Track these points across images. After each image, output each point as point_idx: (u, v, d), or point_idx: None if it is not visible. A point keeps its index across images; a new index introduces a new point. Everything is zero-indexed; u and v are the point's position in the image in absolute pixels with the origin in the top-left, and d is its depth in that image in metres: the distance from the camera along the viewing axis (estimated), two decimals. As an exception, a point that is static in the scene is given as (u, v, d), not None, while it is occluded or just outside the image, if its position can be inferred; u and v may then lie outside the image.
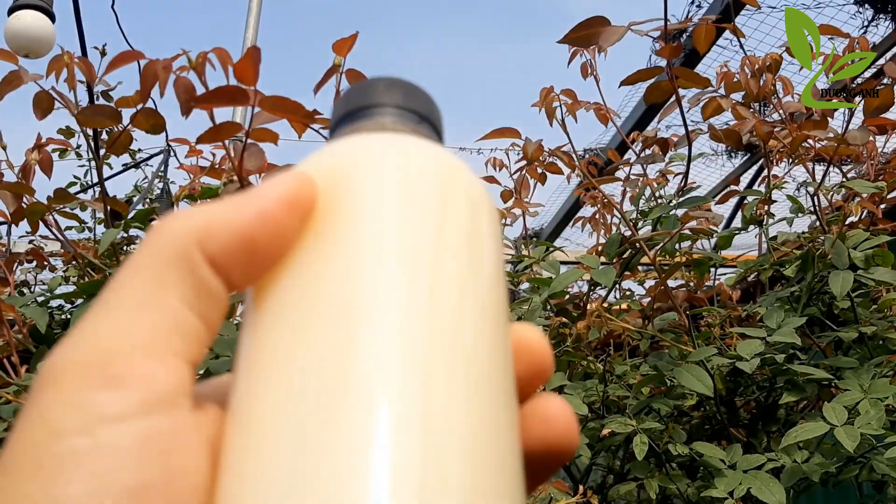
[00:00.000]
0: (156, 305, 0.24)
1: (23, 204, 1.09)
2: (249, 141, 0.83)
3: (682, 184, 1.38)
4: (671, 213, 1.28)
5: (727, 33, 2.37)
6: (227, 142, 0.86)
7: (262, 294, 0.26)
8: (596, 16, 1.13)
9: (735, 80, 1.29)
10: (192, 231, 0.25)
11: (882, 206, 1.37)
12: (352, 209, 0.26)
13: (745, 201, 1.51)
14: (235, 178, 0.89)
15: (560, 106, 1.21)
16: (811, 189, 1.31)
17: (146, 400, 0.23)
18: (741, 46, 1.59)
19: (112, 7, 2.83)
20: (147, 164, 3.34)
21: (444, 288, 0.25)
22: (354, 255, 0.25)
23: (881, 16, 3.39)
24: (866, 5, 3.39)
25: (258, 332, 0.25)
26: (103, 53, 2.57)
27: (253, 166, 0.86)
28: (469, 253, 0.26)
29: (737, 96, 1.36)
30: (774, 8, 3.03)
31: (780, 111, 1.31)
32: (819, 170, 1.36)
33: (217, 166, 1.04)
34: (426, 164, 0.28)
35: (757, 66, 1.32)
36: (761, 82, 1.31)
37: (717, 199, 1.51)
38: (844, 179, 1.37)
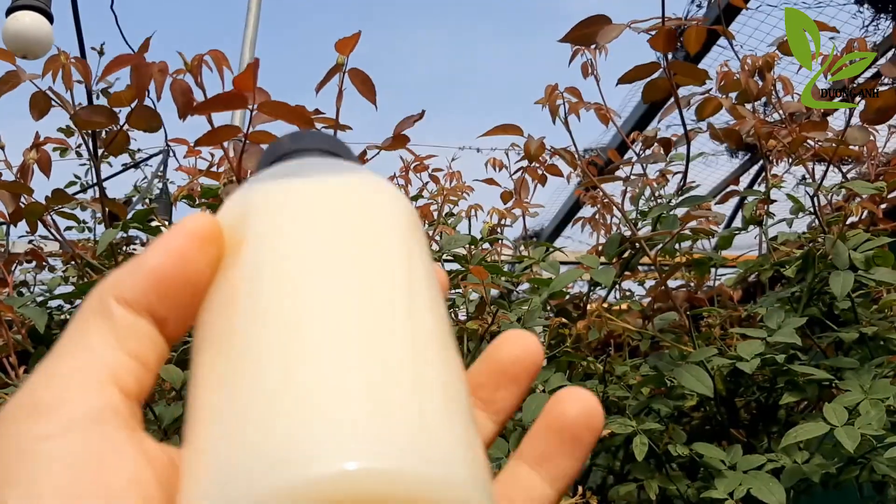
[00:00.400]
0: (77, 349, 0.27)
1: (21, 204, 1.08)
2: (248, 142, 0.83)
3: (682, 183, 1.38)
4: (671, 212, 1.27)
5: (728, 33, 2.36)
6: (226, 143, 0.86)
7: (205, 309, 0.29)
8: (597, 14, 1.13)
9: (735, 78, 1.29)
10: (106, 283, 0.29)
11: (882, 206, 1.36)
12: (262, 224, 0.29)
13: (745, 201, 1.51)
14: (235, 179, 0.89)
15: (563, 104, 1.21)
16: (811, 189, 1.30)
17: (69, 420, 0.25)
18: (732, 48, 1.59)
19: (111, 7, 2.82)
20: (147, 165, 3.33)
21: (358, 281, 0.27)
22: (275, 265, 0.27)
23: (882, 16, 3.39)
24: (867, 5, 3.39)
25: (200, 345, 0.28)
26: (101, 53, 2.56)
27: (252, 167, 0.86)
28: (364, 246, 0.28)
29: (733, 95, 1.35)
30: (775, 7, 3.03)
31: (780, 111, 1.31)
32: (819, 169, 1.36)
33: (216, 167, 1.04)
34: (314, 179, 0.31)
35: (756, 66, 1.32)
36: (759, 82, 1.30)
37: (717, 199, 1.51)
38: (844, 179, 1.37)
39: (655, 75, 1.20)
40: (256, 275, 0.27)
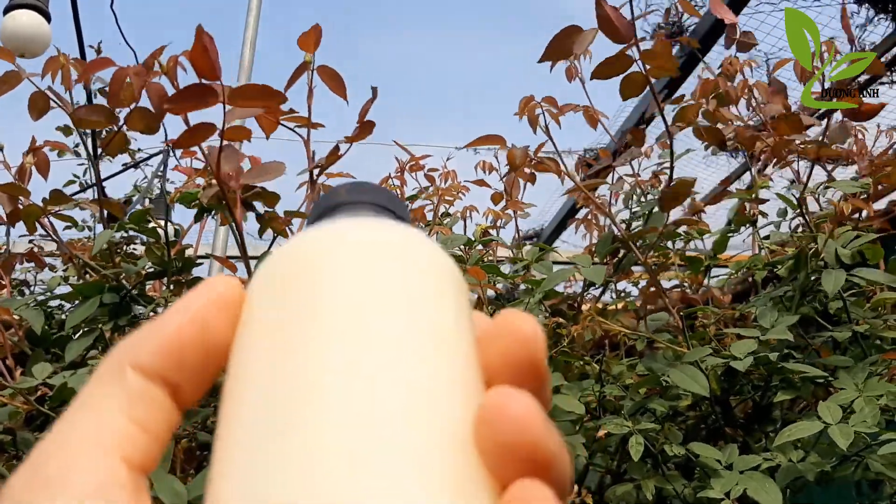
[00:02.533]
0: (87, 416, 0.27)
1: (19, 205, 1.09)
2: (225, 143, 0.82)
3: (669, 179, 1.38)
4: (655, 208, 1.28)
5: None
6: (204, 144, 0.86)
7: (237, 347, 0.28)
8: (568, 26, 1.11)
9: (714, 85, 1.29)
10: (123, 346, 0.28)
11: (870, 201, 1.37)
12: (318, 271, 0.28)
13: (739, 202, 1.51)
14: (214, 181, 0.89)
15: (543, 113, 1.21)
16: (796, 192, 1.31)
17: (74, 495, 0.24)
18: (735, 50, 1.59)
19: (111, 7, 2.83)
20: (147, 164, 3.33)
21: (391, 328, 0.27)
22: (316, 310, 0.27)
23: (881, 16, 3.39)
24: (866, 5, 3.39)
25: (235, 371, 0.27)
26: (98, 52, 2.57)
27: (231, 168, 0.86)
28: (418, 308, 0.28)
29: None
30: (775, 7, 3.03)
31: (761, 115, 1.31)
32: (805, 169, 1.36)
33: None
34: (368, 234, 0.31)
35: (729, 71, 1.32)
36: (735, 85, 1.30)
37: (707, 200, 1.51)
38: (830, 179, 1.37)
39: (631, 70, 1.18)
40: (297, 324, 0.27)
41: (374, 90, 0.98)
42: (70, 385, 0.95)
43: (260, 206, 1.02)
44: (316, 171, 1.00)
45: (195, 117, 0.85)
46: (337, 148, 1.01)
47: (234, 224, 0.93)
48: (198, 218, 0.97)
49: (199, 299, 0.29)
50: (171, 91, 0.82)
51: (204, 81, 0.72)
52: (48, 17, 3.14)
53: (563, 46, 1.09)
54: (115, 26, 2.86)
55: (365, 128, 0.98)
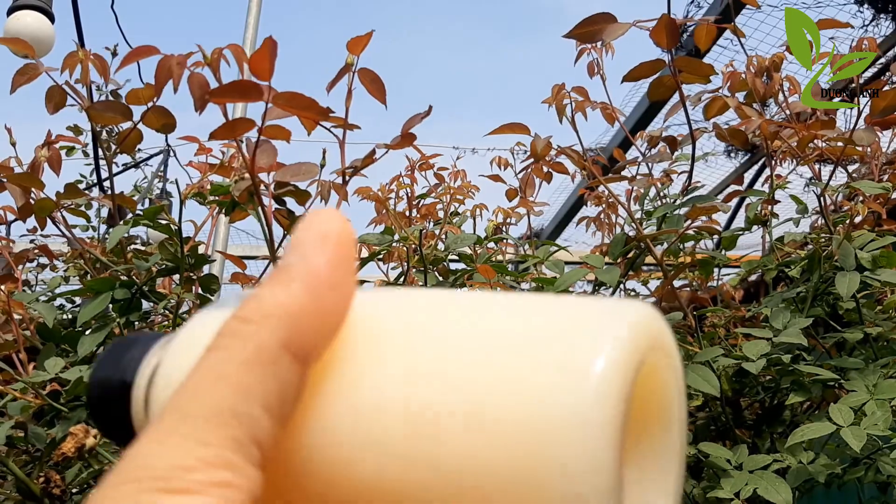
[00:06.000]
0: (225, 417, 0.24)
1: (31, 200, 1.08)
2: (262, 138, 0.83)
3: (687, 183, 1.38)
4: (675, 212, 1.28)
5: (727, 33, 2.37)
6: (239, 139, 0.86)
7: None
8: (602, 12, 1.13)
9: (742, 79, 1.29)
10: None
11: (885, 206, 1.37)
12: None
13: (748, 201, 1.51)
14: (247, 175, 0.89)
15: (570, 103, 1.21)
16: (817, 189, 1.31)
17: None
18: (742, 46, 1.59)
19: (112, 7, 2.82)
20: (147, 164, 3.33)
21: None
22: None
23: (881, 16, 3.40)
24: (866, 5, 3.40)
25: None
26: (114, 54, 2.57)
27: (265, 164, 0.86)
28: None
29: (739, 95, 1.35)
30: (775, 7, 3.04)
31: (787, 111, 1.31)
32: (824, 170, 1.36)
33: (227, 164, 1.04)
34: None
35: (762, 66, 1.32)
36: (767, 82, 1.30)
37: (721, 198, 1.51)
38: (849, 180, 1.37)
39: (660, 73, 1.21)
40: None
41: (429, 108, 1.00)
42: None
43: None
44: (349, 172, 1.01)
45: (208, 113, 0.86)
46: (373, 152, 1.02)
47: (264, 220, 0.93)
48: (228, 212, 0.97)
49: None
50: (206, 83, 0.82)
51: (252, 79, 0.73)
52: (52, 18, 3.14)
53: (592, 30, 1.10)
54: (116, 26, 2.85)
55: (406, 138, 0.99)
